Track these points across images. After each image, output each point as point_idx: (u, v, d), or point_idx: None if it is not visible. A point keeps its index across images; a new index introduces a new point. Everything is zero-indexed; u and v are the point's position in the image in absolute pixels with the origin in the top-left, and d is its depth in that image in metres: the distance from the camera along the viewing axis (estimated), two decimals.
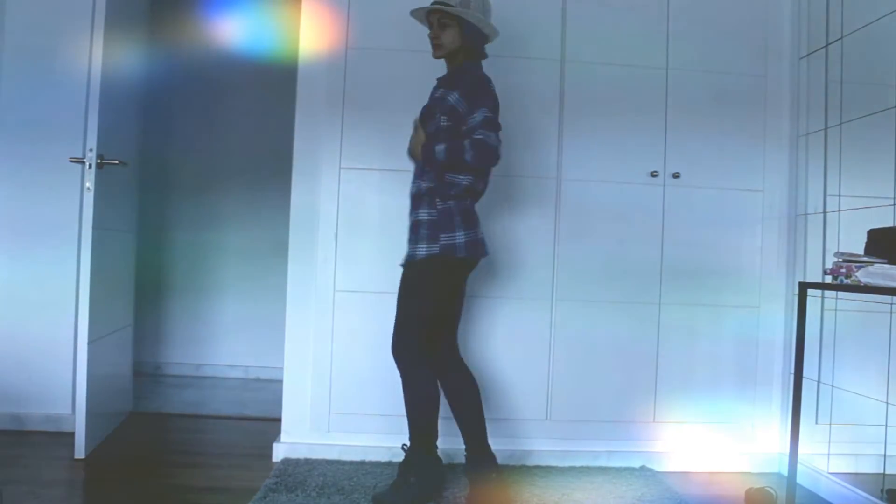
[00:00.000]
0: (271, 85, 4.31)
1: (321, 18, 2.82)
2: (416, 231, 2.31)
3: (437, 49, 2.34)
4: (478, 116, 2.23)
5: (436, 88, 2.38)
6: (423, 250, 2.27)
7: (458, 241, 2.27)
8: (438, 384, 2.34)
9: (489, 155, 2.23)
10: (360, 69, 2.81)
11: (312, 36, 2.83)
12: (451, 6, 2.28)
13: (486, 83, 2.30)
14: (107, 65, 2.70)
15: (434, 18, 2.32)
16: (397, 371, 2.31)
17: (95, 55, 2.67)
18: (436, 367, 2.37)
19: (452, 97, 2.26)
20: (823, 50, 2.77)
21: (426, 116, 2.34)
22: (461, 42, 2.32)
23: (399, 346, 2.31)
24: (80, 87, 3.00)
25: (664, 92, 2.92)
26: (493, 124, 2.25)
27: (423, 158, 2.28)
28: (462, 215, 2.30)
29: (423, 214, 2.30)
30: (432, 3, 2.32)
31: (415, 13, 2.39)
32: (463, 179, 2.27)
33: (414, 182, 2.37)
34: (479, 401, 2.38)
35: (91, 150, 2.67)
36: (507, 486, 2.43)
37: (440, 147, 2.24)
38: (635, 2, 2.93)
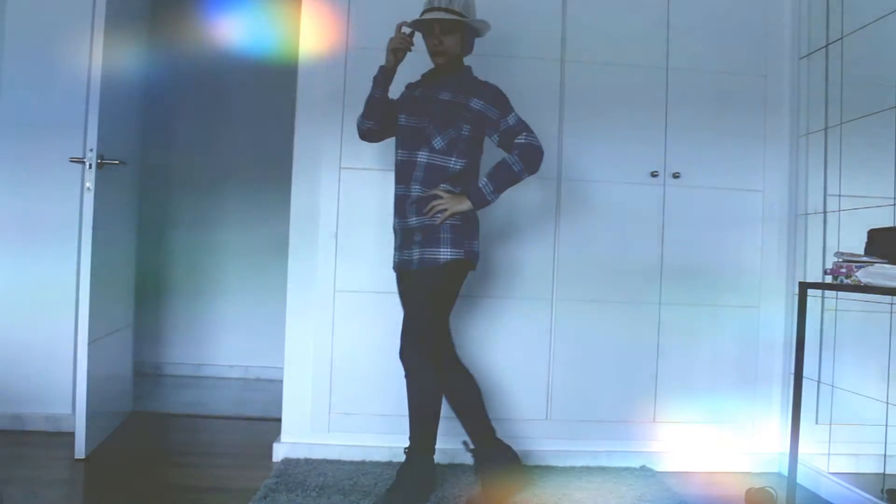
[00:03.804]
0: (271, 85, 4.31)
1: (321, 18, 2.83)
2: (434, 235, 2.26)
3: (440, 56, 2.30)
4: (511, 120, 2.28)
5: (435, 90, 2.33)
6: (446, 255, 2.25)
7: (475, 248, 2.35)
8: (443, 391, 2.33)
9: (538, 156, 2.28)
10: (360, 69, 2.80)
11: (312, 36, 2.83)
12: (461, 14, 2.26)
13: (497, 86, 2.33)
14: (107, 65, 2.69)
15: (437, 25, 2.28)
16: (398, 371, 2.31)
17: (95, 55, 2.67)
18: (440, 368, 2.38)
19: (476, 103, 2.27)
20: (823, 50, 2.77)
21: (440, 121, 2.28)
22: (461, 46, 2.33)
23: (410, 348, 2.29)
24: (80, 87, 3.00)
25: (664, 92, 2.93)
26: (529, 126, 2.30)
27: (478, 206, 2.27)
28: (477, 224, 2.37)
29: (450, 218, 2.27)
30: (433, 10, 2.26)
31: (421, 22, 2.30)
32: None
33: (415, 184, 2.30)
34: (481, 396, 2.42)
35: (91, 150, 2.67)
36: (518, 478, 2.45)
37: (487, 185, 2.25)
38: (635, 2, 2.93)
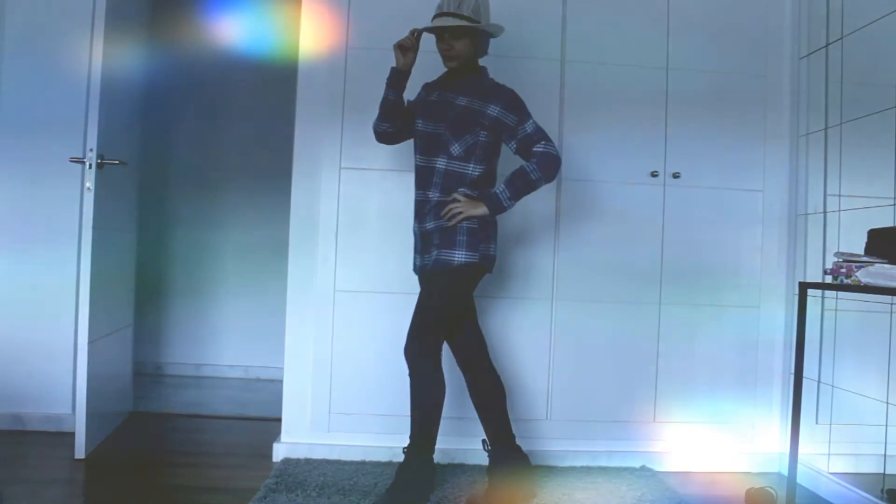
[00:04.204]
0: (271, 85, 4.31)
1: (321, 18, 2.83)
2: (450, 237, 2.27)
3: (451, 60, 2.31)
4: (529, 128, 2.29)
5: (451, 95, 2.33)
6: (460, 257, 2.27)
7: (491, 252, 2.34)
8: (445, 390, 2.33)
9: (556, 165, 2.29)
10: (360, 69, 2.81)
11: (312, 36, 2.83)
12: (471, 18, 2.23)
13: (513, 91, 2.33)
14: (107, 65, 2.70)
15: (446, 30, 2.27)
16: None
17: (95, 55, 2.67)
18: (463, 366, 2.43)
19: (493, 110, 2.27)
20: (823, 50, 2.77)
21: (457, 128, 2.29)
22: (474, 49, 2.32)
23: (414, 347, 2.28)
24: (80, 87, 3.00)
25: (664, 92, 2.93)
26: (547, 134, 2.30)
27: (495, 213, 2.29)
28: (495, 228, 2.36)
29: (464, 222, 2.28)
30: (441, 14, 2.25)
31: (429, 28, 2.30)
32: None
33: (434, 190, 2.32)
34: (504, 398, 2.44)
35: (91, 150, 2.67)
36: (527, 486, 2.46)
37: (504, 191, 2.26)
38: (635, 2, 2.93)
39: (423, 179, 2.36)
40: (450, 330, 2.37)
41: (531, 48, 2.87)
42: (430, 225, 2.32)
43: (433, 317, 2.29)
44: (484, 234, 2.30)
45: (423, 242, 2.38)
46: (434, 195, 2.31)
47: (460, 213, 2.25)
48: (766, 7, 2.98)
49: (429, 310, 2.30)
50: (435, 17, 2.29)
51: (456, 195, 2.29)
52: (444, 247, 2.28)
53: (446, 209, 2.27)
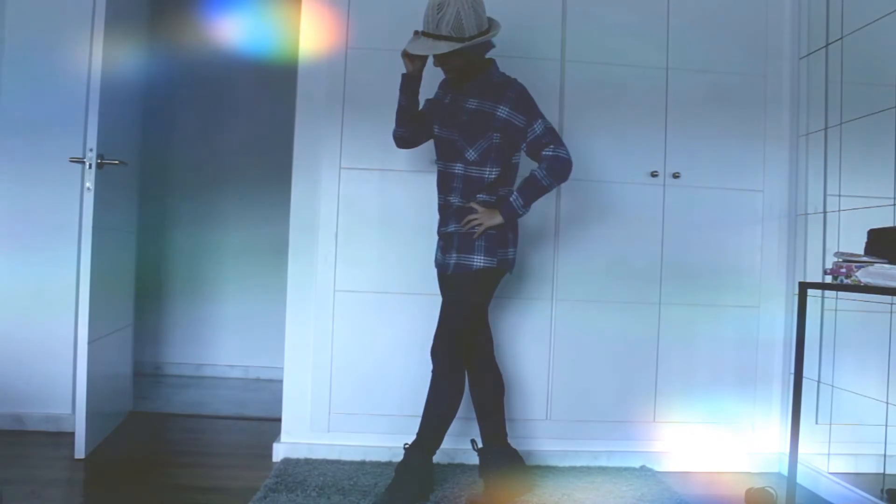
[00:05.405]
0: (271, 85, 4.31)
1: (321, 18, 2.83)
2: (469, 243, 2.29)
3: (450, 73, 2.32)
4: (538, 129, 2.27)
5: (462, 97, 2.32)
6: (479, 262, 2.29)
7: (510, 256, 2.36)
8: (462, 395, 2.34)
9: (566, 168, 2.28)
10: (360, 69, 2.81)
11: (312, 36, 2.83)
12: (451, 37, 2.16)
13: (522, 86, 2.31)
14: (107, 65, 2.70)
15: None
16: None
17: (95, 55, 2.67)
18: (468, 362, 2.43)
19: (502, 111, 2.25)
20: (823, 50, 2.77)
21: (469, 132, 2.28)
22: (469, 57, 2.27)
23: (440, 348, 2.32)
24: (80, 87, 3.00)
25: (664, 92, 2.93)
26: (556, 134, 2.29)
27: (510, 220, 2.30)
28: (514, 232, 2.38)
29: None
30: (424, 34, 2.21)
31: (415, 50, 2.25)
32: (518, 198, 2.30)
33: (454, 195, 2.34)
34: (503, 400, 2.47)
35: (91, 150, 2.67)
36: (522, 482, 2.47)
37: (517, 199, 2.27)
38: (635, 2, 2.93)
39: (444, 184, 2.38)
40: (473, 332, 2.38)
41: (531, 48, 2.87)
42: (451, 228, 2.36)
43: (456, 321, 2.32)
44: (502, 239, 2.32)
45: (445, 242, 2.41)
46: (455, 200, 2.34)
47: (480, 224, 2.28)
48: (766, 7, 2.98)
49: (452, 314, 2.33)
50: (420, 33, 2.23)
51: (473, 204, 2.30)
52: (464, 251, 2.30)
53: (465, 220, 2.29)
